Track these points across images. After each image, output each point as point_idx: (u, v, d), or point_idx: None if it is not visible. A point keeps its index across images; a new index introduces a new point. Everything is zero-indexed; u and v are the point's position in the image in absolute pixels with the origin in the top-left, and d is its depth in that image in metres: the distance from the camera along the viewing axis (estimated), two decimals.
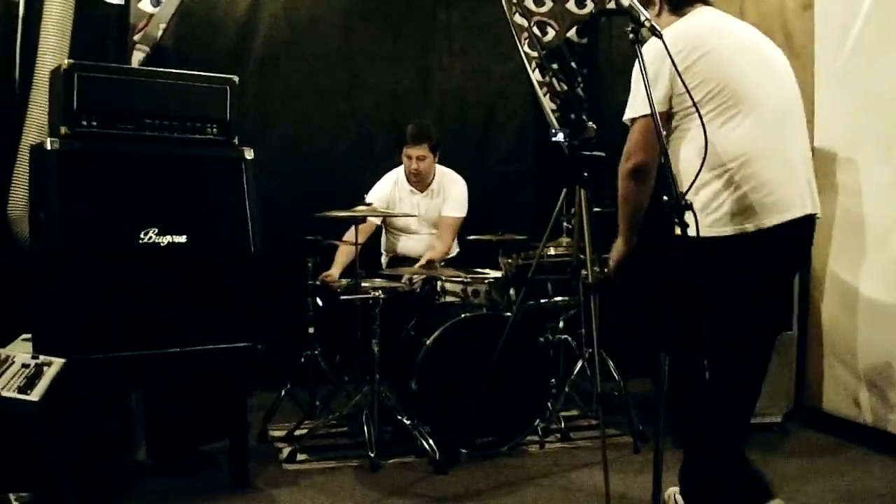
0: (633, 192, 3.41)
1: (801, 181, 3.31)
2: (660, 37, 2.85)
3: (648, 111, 3.17)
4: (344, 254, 5.75)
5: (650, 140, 3.25)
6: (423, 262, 5.83)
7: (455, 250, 6.25)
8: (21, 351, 3.77)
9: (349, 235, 5.45)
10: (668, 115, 3.31)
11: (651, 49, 3.06)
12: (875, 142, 5.04)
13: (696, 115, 3.02)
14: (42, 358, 3.54)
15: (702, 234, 3.29)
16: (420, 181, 6.05)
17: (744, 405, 3.51)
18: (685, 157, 3.30)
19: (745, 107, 3.20)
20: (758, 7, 5.99)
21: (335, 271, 5.69)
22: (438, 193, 6.14)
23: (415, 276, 5.52)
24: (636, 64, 3.11)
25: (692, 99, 2.99)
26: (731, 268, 3.23)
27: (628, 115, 3.37)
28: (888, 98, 4.93)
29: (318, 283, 5.41)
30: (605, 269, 3.89)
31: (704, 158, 2.93)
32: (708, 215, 3.25)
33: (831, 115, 5.34)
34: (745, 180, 3.18)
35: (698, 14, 3.43)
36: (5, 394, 3.01)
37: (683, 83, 3.01)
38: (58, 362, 3.51)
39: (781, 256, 3.34)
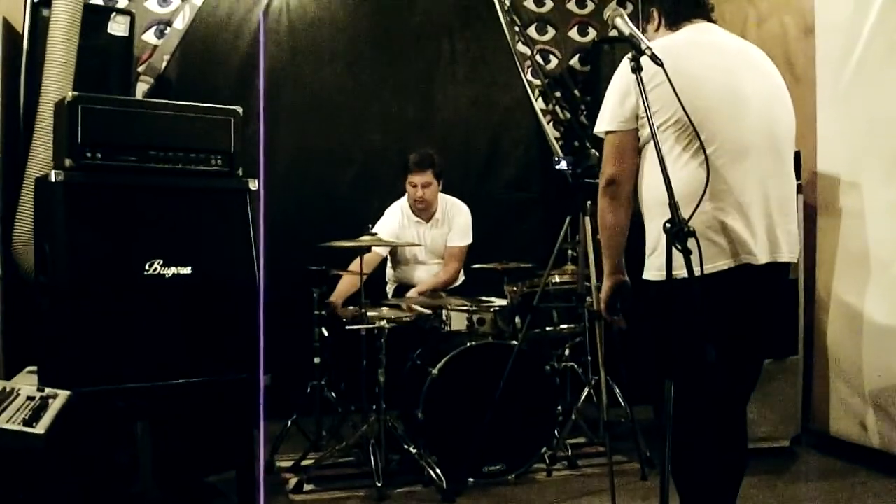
0: (608, 209, 3.30)
1: (756, 227, 3.13)
2: (660, 65, 2.83)
3: (616, 127, 3.21)
4: (346, 283, 5.73)
5: (619, 153, 3.23)
6: (422, 288, 5.85)
7: (461, 279, 6.25)
8: (26, 383, 3.76)
9: (354, 266, 5.45)
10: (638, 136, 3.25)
11: (625, 64, 3.02)
12: (878, 165, 5.06)
13: (654, 140, 2.81)
14: (47, 390, 3.53)
15: (644, 276, 3.28)
16: (425, 209, 6.06)
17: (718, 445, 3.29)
18: (647, 183, 3.23)
19: (699, 142, 2.99)
20: (759, 33, 6.04)
21: (336, 300, 5.68)
22: (444, 222, 6.15)
23: (420, 305, 5.51)
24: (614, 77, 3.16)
25: (651, 124, 2.81)
26: (669, 312, 2.96)
27: (597, 127, 3.32)
28: (890, 122, 4.95)
29: (323, 313, 5.41)
30: (598, 308, 3.70)
31: (707, 186, 2.83)
32: (647, 257, 3.24)
33: (834, 139, 5.36)
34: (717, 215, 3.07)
35: (688, 30, 3.37)
36: (10, 427, 2.99)
37: (646, 107, 2.85)
38: (63, 394, 3.50)
39: (729, 302, 3.07)
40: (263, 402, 4.39)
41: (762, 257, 3.13)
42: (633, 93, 3.11)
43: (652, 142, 2.96)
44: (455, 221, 6.16)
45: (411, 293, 5.89)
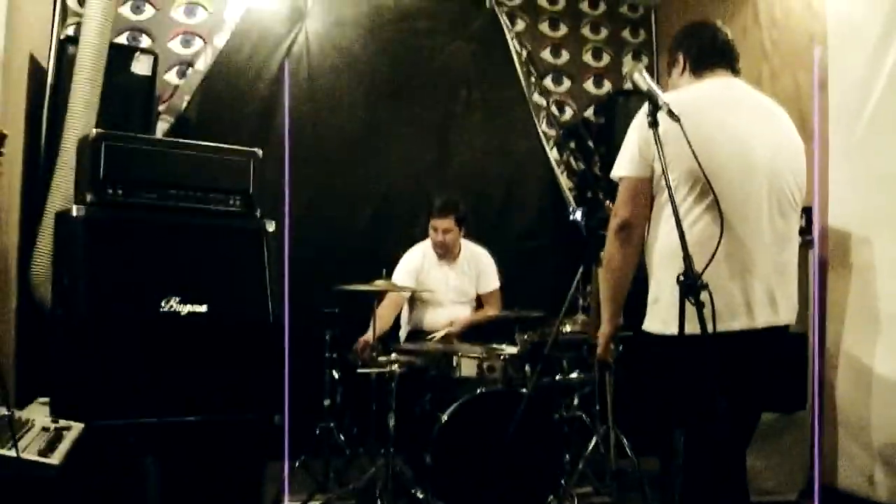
0: (618, 253, 3.31)
1: (755, 291, 3.16)
2: (677, 120, 2.86)
3: (633, 173, 3.24)
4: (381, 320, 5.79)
5: (634, 198, 3.26)
6: (466, 322, 6.02)
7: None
8: (38, 414, 3.80)
9: (381, 307, 5.59)
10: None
11: (642, 113, 3.04)
12: (890, 221, 5.08)
13: (668, 195, 2.85)
14: (62, 422, 3.57)
15: (645, 327, 3.30)
16: (446, 253, 6.13)
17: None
18: (658, 234, 3.26)
19: (710, 198, 3.02)
20: (773, 89, 6.08)
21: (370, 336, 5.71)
22: (468, 266, 6.25)
23: (432, 351, 5.54)
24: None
25: (666, 177, 2.87)
26: (668, 366, 3.05)
27: (613, 172, 3.36)
28: None
29: (335, 355, 5.42)
30: (598, 352, 3.65)
31: (719, 241, 2.84)
32: (650, 306, 3.27)
33: (845, 193, 5.39)
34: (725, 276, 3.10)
35: (710, 83, 3.40)
36: (26, 456, 3.03)
37: (662, 160, 2.89)
38: (77, 426, 3.53)
39: (728, 363, 2.87)
40: (285, 441, 4.43)
41: (764, 320, 3.17)
42: (650, 143, 3.11)
43: (664, 194, 3.02)
44: (484, 267, 6.33)
45: (454, 326, 5.98)
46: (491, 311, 6.23)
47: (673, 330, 2.76)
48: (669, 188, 2.84)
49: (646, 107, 2.95)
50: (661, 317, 3.19)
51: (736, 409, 3.05)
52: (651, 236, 3.30)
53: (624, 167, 3.30)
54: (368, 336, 5.34)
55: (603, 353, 3.58)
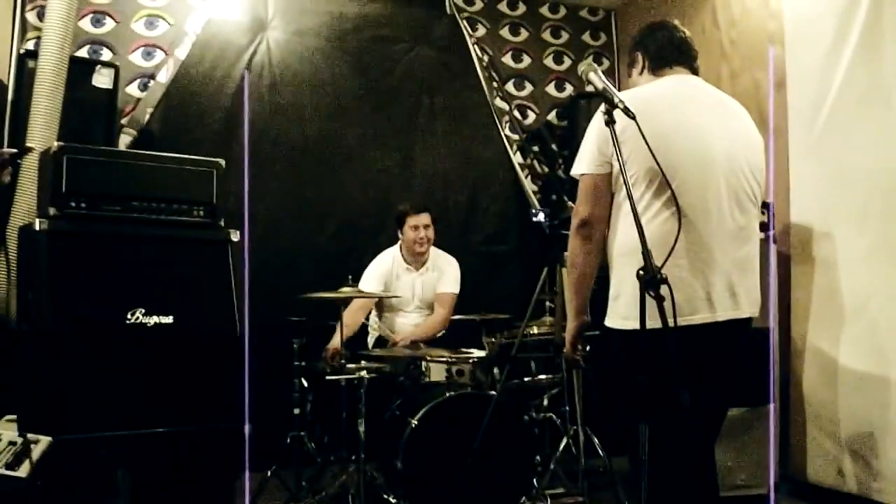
0: (579, 250, 3.33)
1: (716, 285, 3.18)
2: (633, 118, 2.88)
3: (592, 170, 3.25)
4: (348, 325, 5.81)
5: (594, 195, 3.28)
6: (408, 339, 5.90)
7: (442, 330, 6.29)
8: (5, 430, 3.78)
9: (349, 312, 5.60)
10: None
11: (600, 113, 3.04)
12: (850, 215, 5.14)
13: (626, 192, 2.84)
14: (29, 436, 3.56)
15: (607, 322, 3.32)
16: (423, 252, 6.16)
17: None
18: (617, 231, 3.27)
19: (668, 193, 3.05)
20: (733, 88, 6.15)
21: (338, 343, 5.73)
22: (433, 271, 6.25)
23: (400, 356, 5.55)
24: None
25: (623, 174, 2.87)
26: (631, 360, 3.11)
27: (573, 170, 3.37)
28: (861, 172, 5.05)
29: (303, 363, 5.41)
30: (565, 349, 3.67)
31: (678, 236, 2.86)
32: (610, 301, 3.29)
33: (806, 190, 5.46)
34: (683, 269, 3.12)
35: (667, 80, 3.44)
36: None
37: (619, 157, 2.89)
38: (45, 440, 3.53)
39: (691, 356, 2.93)
40: (245, 452, 4.41)
41: (725, 313, 3.19)
42: (608, 141, 3.11)
43: (623, 191, 3.05)
44: (445, 270, 6.28)
45: (399, 343, 5.93)
46: (429, 321, 6.20)
47: (634, 325, 2.77)
48: (627, 185, 2.85)
49: (603, 106, 2.97)
50: (621, 312, 3.21)
51: (700, 403, 3.08)
52: (611, 234, 3.32)
53: (583, 165, 3.32)
54: (336, 343, 5.32)
55: (570, 351, 3.59)
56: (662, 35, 3.55)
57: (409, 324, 6.20)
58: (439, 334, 6.18)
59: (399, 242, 6.25)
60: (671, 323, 2.57)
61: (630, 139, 3.01)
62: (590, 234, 3.32)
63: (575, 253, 3.37)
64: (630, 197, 2.80)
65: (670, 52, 3.50)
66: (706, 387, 3.18)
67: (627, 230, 2.82)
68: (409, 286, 6.18)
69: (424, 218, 6.07)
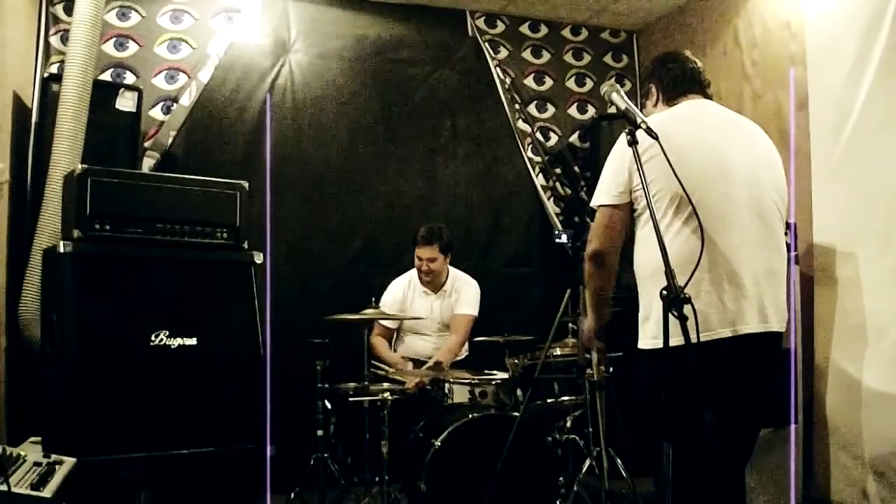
0: (593, 274, 3.44)
1: (746, 297, 3.17)
2: (656, 138, 2.88)
3: (610, 201, 3.29)
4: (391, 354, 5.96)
5: (608, 229, 3.33)
6: (431, 363, 5.88)
7: (465, 353, 6.27)
8: (30, 451, 3.79)
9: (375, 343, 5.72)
10: (633, 209, 3.34)
11: (622, 140, 3.07)
12: (873, 235, 5.12)
13: (649, 213, 2.83)
14: (54, 457, 3.57)
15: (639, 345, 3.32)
16: (431, 281, 6.13)
17: None
18: (642, 252, 3.31)
19: (689, 210, 3.07)
20: (755, 108, 6.15)
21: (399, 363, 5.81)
22: (451, 294, 6.23)
23: (423, 378, 5.54)
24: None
25: (647, 195, 2.87)
26: (666, 379, 3.06)
27: (593, 201, 3.41)
28: (884, 192, 5.03)
29: (326, 385, 5.41)
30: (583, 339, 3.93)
31: (701, 256, 2.88)
32: (640, 324, 3.31)
33: (829, 210, 5.43)
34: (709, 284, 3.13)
35: (683, 105, 3.47)
36: (19, 490, 3.04)
37: (642, 178, 2.90)
38: (69, 461, 3.53)
39: (722, 371, 3.01)
40: (266, 473, 4.41)
41: (753, 327, 3.18)
42: (628, 168, 3.22)
43: (646, 212, 3.07)
44: (463, 292, 6.25)
45: (422, 369, 5.92)
46: (450, 343, 6.13)
47: (661, 344, 2.77)
48: (650, 205, 2.85)
49: (623, 137, 2.98)
50: (651, 333, 3.22)
51: (728, 422, 3.06)
52: (636, 255, 3.35)
53: (601, 196, 3.36)
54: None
55: (588, 342, 3.83)
56: (675, 66, 3.59)
57: (429, 347, 6.18)
58: (460, 357, 6.16)
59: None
60: (693, 341, 2.57)
61: (652, 160, 3.05)
62: (602, 264, 3.40)
63: (590, 277, 3.48)
64: (653, 216, 2.80)
65: (683, 81, 3.55)
66: (734, 404, 3.17)
67: (652, 252, 2.82)
68: (428, 309, 6.17)
69: (426, 251, 6.02)
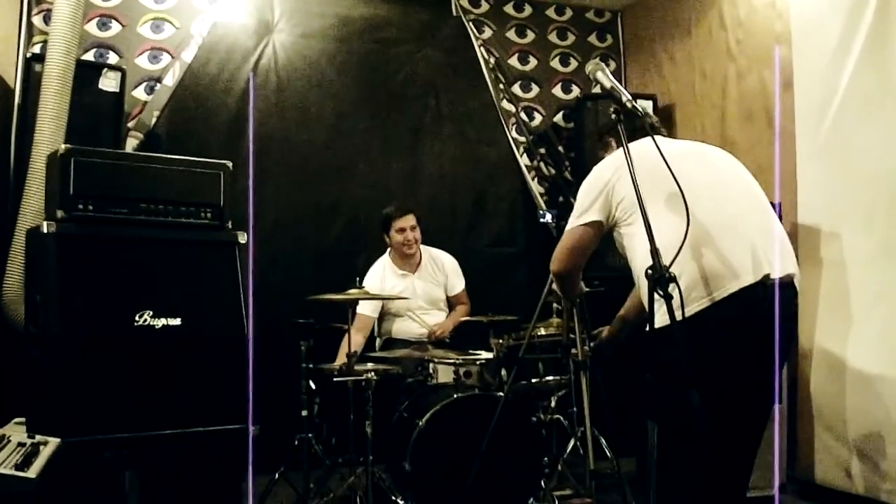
0: (561, 286, 3.74)
1: (735, 254, 3.14)
2: (637, 111, 2.90)
3: (582, 221, 3.37)
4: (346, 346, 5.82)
5: (570, 251, 3.44)
6: (442, 329, 6.09)
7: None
8: (14, 432, 3.78)
9: (357, 324, 5.70)
10: (609, 228, 3.39)
11: (598, 166, 3.25)
12: (857, 215, 5.15)
13: (640, 215, 2.88)
14: (38, 437, 3.56)
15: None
16: (413, 254, 6.16)
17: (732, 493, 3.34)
18: (638, 255, 3.26)
19: (668, 204, 3.10)
20: (740, 88, 6.15)
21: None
22: (434, 270, 6.29)
23: (407, 358, 5.54)
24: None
25: (635, 185, 2.89)
26: (705, 344, 3.05)
27: (568, 224, 3.46)
28: (868, 172, 5.05)
29: (310, 365, 5.41)
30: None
31: (686, 232, 2.86)
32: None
33: (813, 190, 5.46)
34: (694, 258, 3.11)
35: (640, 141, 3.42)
36: (3, 471, 3.03)
37: (634, 183, 2.91)
38: (54, 441, 3.52)
39: (751, 324, 3.13)
40: (249, 453, 4.40)
41: (746, 280, 3.10)
42: (601, 189, 3.30)
43: (634, 213, 3.14)
44: (449, 269, 6.34)
45: (435, 333, 6.08)
46: (464, 309, 6.31)
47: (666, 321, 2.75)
48: (639, 196, 2.87)
49: (602, 163, 3.15)
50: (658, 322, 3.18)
51: (728, 402, 3.10)
52: (631, 262, 3.35)
53: (571, 220, 3.44)
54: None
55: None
56: (632, 121, 3.55)
57: (413, 327, 6.19)
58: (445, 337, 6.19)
59: (388, 249, 6.27)
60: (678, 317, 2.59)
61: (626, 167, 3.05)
62: (563, 280, 3.65)
63: (559, 286, 3.81)
64: (642, 207, 2.84)
65: (642, 133, 3.47)
66: (750, 369, 3.24)
67: (645, 255, 2.81)
68: (410, 290, 6.17)
69: (409, 219, 6.07)
